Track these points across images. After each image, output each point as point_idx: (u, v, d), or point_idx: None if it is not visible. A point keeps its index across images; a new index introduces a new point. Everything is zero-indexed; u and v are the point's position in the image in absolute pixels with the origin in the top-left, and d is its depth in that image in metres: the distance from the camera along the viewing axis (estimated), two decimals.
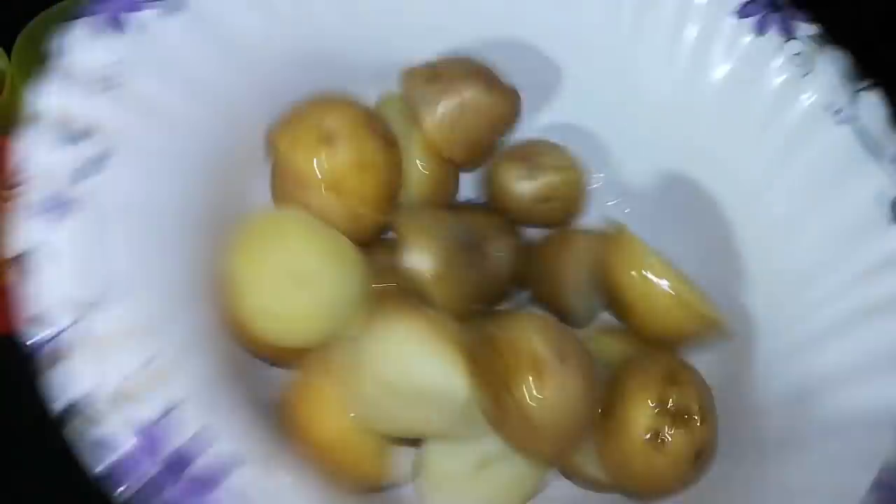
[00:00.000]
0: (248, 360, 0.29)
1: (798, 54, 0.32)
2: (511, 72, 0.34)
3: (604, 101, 0.36)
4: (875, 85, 0.31)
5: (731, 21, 0.33)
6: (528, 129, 0.37)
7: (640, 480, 0.29)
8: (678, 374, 0.29)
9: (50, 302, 0.21)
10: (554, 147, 0.36)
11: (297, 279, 0.28)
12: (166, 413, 0.22)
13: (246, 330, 0.27)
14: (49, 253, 0.22)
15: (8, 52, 0.40)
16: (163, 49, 0.28)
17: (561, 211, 0.36)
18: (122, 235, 0.24)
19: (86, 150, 0.24)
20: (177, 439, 0.22)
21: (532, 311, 0.35)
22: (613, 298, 0.32)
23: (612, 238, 0.32)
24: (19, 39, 0.41)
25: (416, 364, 0.27)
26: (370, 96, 0.34)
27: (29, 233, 0.22)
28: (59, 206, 0.23)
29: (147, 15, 0.27)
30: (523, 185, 0.35)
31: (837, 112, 0.31)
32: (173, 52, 0.28)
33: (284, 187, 0.31)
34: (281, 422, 0.27)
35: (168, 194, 0.26)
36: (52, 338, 0.21)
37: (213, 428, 0.23)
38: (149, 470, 0.21)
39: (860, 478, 0.25)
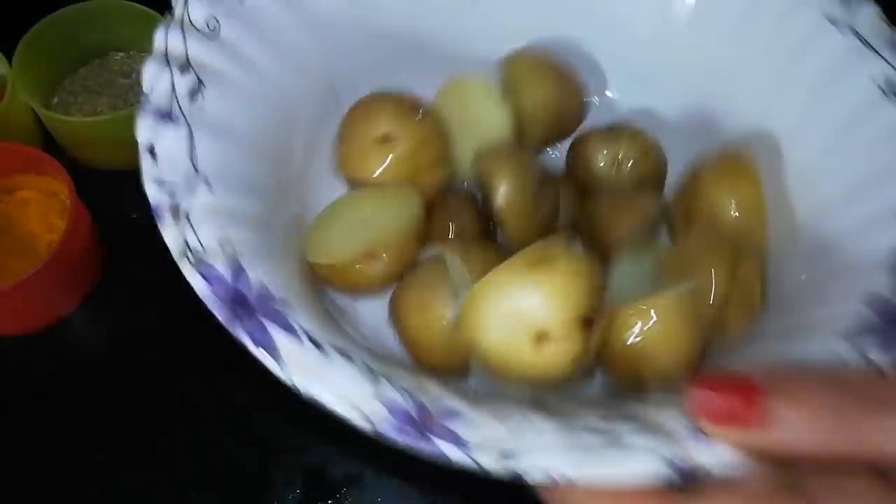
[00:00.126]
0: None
1: None
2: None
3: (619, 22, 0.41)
4: None
5: None
6: None
7: None
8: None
9: (156, 179, 0.28)
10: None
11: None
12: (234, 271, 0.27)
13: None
14: (160, 148, 0.29)
15: (9, 57, 0.43)
16: (254, 13, 0.34)
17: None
18: (208, 145, 0.30)
19: (189, 80, 0.31)
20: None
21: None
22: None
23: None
24: (20, 45, 0.43)
25: None
26: (425, 80, 0.39)
27: (146, 131, 0.29)
28: (167, 116, 0.29)
29: None
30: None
31: (835, 21, 0.34)
32: (263, 16, 0.35)
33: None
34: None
35: (246, 122, 0.33)
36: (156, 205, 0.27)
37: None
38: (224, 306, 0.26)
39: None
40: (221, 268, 0.26)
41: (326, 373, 0.25)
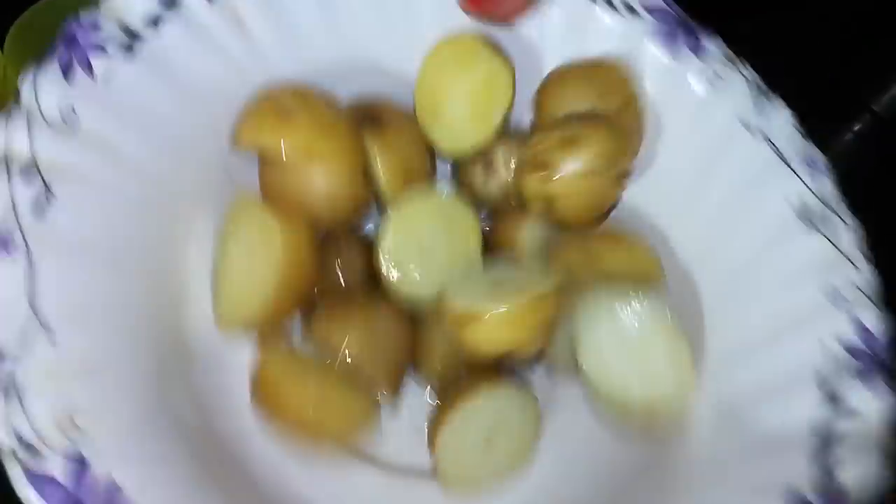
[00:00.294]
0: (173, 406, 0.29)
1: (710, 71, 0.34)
2: None
3: None
4: (780, 96, 0.34)
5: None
6: None
7: None
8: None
9: None
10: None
11: None
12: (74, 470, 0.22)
13: None
14: None
15: (0, 43, 0.41)
16: (119, 92, 0.30)
17: None
18: (55, 276, 0.25)
19: (34, 190, 0.26)
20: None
21: None
22: None
23: None
24: (12, 31, 0.41)
25: None
26: None
27: None
28: (2, 245, 0.25)
29: (107, 59, 0.30)
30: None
31: (749, 126, 0.33)
32: (129, 95, 0.30)
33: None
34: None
35: (111, 233, 0.28)
36: None
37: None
38: None
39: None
40: (58, 469, 0.22)
41: None
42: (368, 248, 0.35)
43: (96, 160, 0.28)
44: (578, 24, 0.36)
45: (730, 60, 0.35)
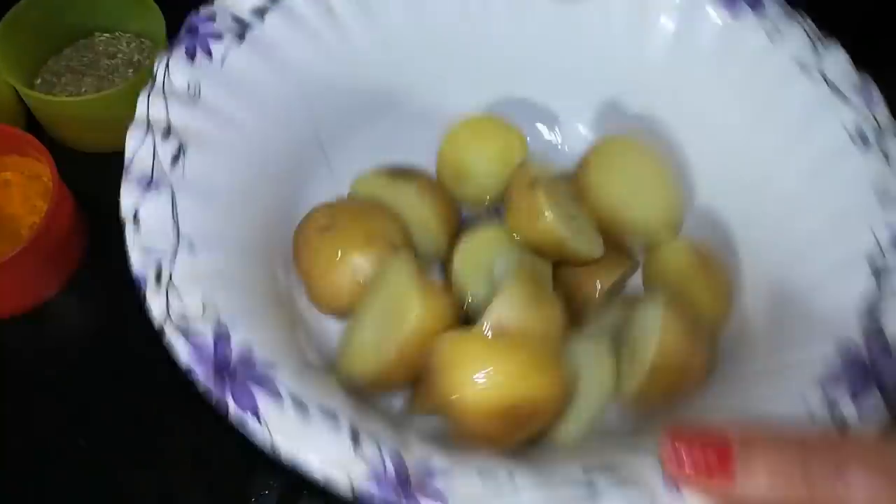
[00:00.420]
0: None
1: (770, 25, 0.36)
2: None
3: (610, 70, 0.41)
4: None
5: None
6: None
7: None
8: None
9: (140, 247, 0.29)
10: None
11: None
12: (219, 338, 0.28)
13: None
14: (143, 216, 0.29)
15: None
16: (234, 73, 0.35)
17: None
18: (191, 209, 0.31)
19: (172, 145, 0.31)
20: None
21: None
22: None
23: None
24: (2, 25, 0.42)
25: None
26: (405, 130, 0.41)
27: (130, 199, 0.30)
28: (150, 183, 0.30)
29: (223, 44, 0.35)
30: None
31: (805, 67, 0.35)
32: (243, 76, 0.35)
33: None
34: None
35: (229, 182, 0.33)
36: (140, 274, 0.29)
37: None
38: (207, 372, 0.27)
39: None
40: (205, 334, 0.27)
41: (310, 436, 0.26)
42: None
43: (216, 125, 0.34)
44: None
45: (788, 15, 0.37)
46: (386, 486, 0.25)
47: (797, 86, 0.35)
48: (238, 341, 0.28)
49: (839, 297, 0.30)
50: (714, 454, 0.23)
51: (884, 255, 0.30)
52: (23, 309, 0.41)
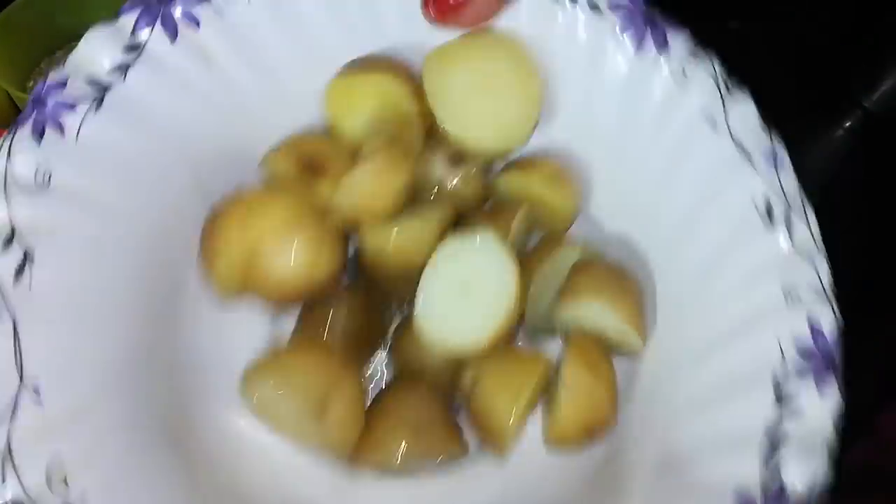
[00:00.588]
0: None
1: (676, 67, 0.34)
2: None
3: None
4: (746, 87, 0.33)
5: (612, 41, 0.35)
6: None
7: None
8: None
9: None
10: None
11: None
12: None
13: None
14: None
15: None
16: (90, 144, 0.31)
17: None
18: (38, 338, 0.27)
19: (14, 256, 0.28)
20: None
21: None
22: None
23: None
24: None
25: None
26: None
27: None
28: None
29: (76, 115, 0.31)
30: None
31: (713, 121, 0.33)
32: (101, 147, 0.32)
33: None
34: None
35: (91, 281, 0.30)
36: None
37: None
38: None
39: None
40: None
41: None
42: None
43: (72, 214, 0.30)
44: (545, 24, 0.36)
45: (695, 56, 0.35)
46: None
47: (705, 141, 0.33)
48: None
49: (743, 422, 0.29)
50: None
51: (789, 375, 0.29)
52: None
